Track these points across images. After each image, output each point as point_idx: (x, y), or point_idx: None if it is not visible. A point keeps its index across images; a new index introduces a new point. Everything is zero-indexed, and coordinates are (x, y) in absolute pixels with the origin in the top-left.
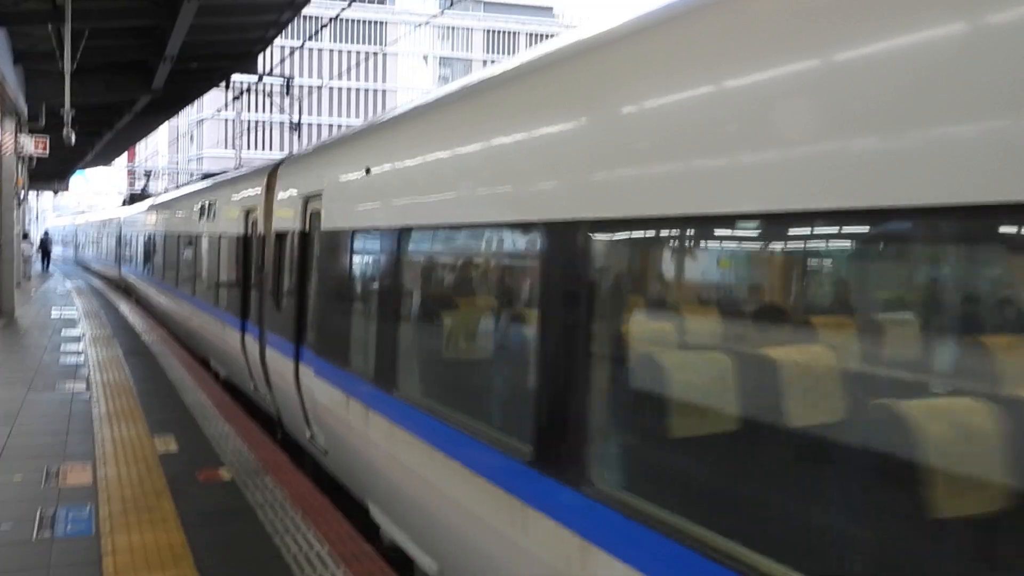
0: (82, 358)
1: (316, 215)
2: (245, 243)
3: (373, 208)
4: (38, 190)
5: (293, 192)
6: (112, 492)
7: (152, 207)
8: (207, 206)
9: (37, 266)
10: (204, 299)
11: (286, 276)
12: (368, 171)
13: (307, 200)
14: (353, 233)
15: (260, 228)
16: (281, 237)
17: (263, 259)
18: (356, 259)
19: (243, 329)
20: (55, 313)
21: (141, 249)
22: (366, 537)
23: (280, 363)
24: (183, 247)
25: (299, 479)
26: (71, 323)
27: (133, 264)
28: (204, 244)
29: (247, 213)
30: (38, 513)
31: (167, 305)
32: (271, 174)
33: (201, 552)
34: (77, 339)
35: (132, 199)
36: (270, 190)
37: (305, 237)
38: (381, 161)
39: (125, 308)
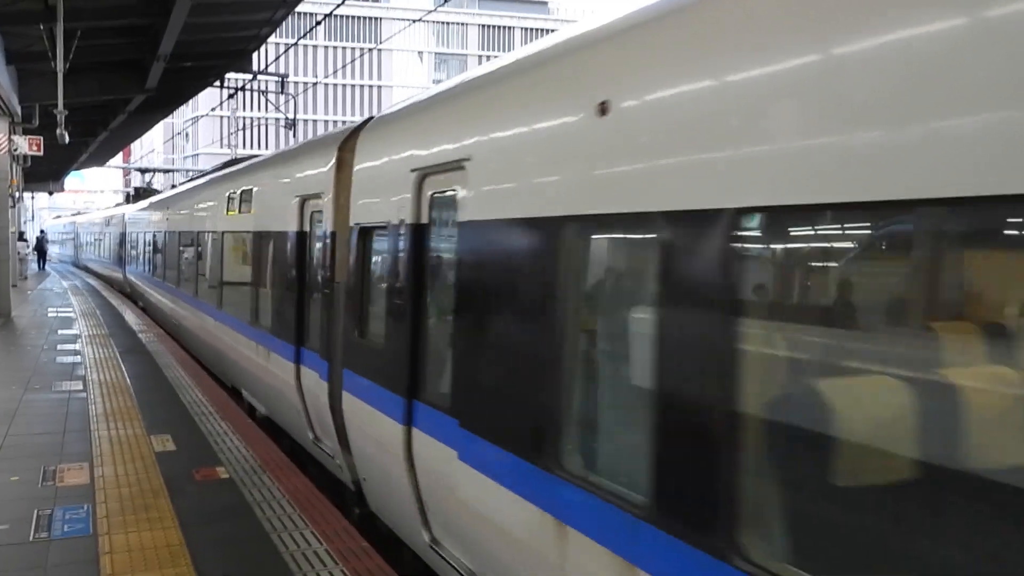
0: (79, 357)
1: (447, 199)
2: (300, 242)
3: (627, 175)
4: (33, 191)
5: (395, 166)
6: (109, 492)
7: (164, 201)
8: (240, 196)
9: (33, 266)
10: (235, 314)
11: (382, 291)
12: (605, 109)
13: (424, 176)
14: (561, 224)
15: (327, 221)
16: (367, 234)
17: (332, 264)
18: (577, 270)
19: (298, 359)
20: (52, 313)
21: (150, 250)
22: (363, 533)
23: (372, 421)
24: (205, 247)
25: (297, 477)
26: (68, 323)
27: (139, 267)
28: (235, 244)
29: (303, 202)
30: (35, 513)
31: (183, 317)
32: (344, 146)
33: (199, 551)
34: (74, 338)
35: (137, 194)
36: (343, 168)
37: (422, 232)
38: (655, 82)
39: (122, 307)
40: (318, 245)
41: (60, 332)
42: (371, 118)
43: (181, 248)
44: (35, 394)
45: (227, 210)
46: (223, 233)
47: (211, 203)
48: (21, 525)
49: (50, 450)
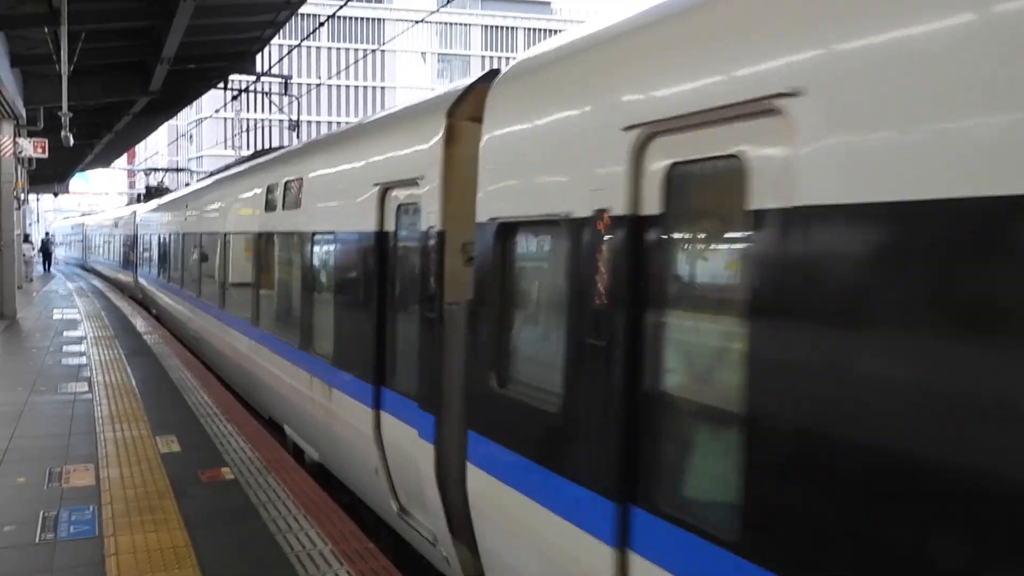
0: (84, 359)
1: (716, 171)
2: (380, 246)
3: None
4: (38, 193)
5: (581, 125)
6: (115, 493)
7: (182, 198)
8: (283, 189)
9: (39, 268)
10: (279, 335)
11: (551, 321)
12: None
13: (651, 137)
14: None
15: (429, 216)
16: (515, 233)
17: (439, 276)
18: None
19: (378, 403)
20: (57, 315)
21: (166, 253)
22: (369, 534)
23: (531, 521)
24: (234, 251)
25: (302, 478)
26: (73, 325)
27: (153, 272)
28: (276, 247)
29: (384, 192)
30: (41, 515)
31: (206, 331)
32: (457, 111)
33: (204, 552)
34: (79, 340)
35: (149, 194)
36: (457, 142)
37: (644, 228)
38: None
39: (127, 309)
40: (411, 249)
41: (65, 334)
42: (495, 71)
43: (204, 252)
44: (40, 396)
45: (265, 206)
46: (260, 235)
47: (243, 198)
48: (27, 526)
49: (56, 452)
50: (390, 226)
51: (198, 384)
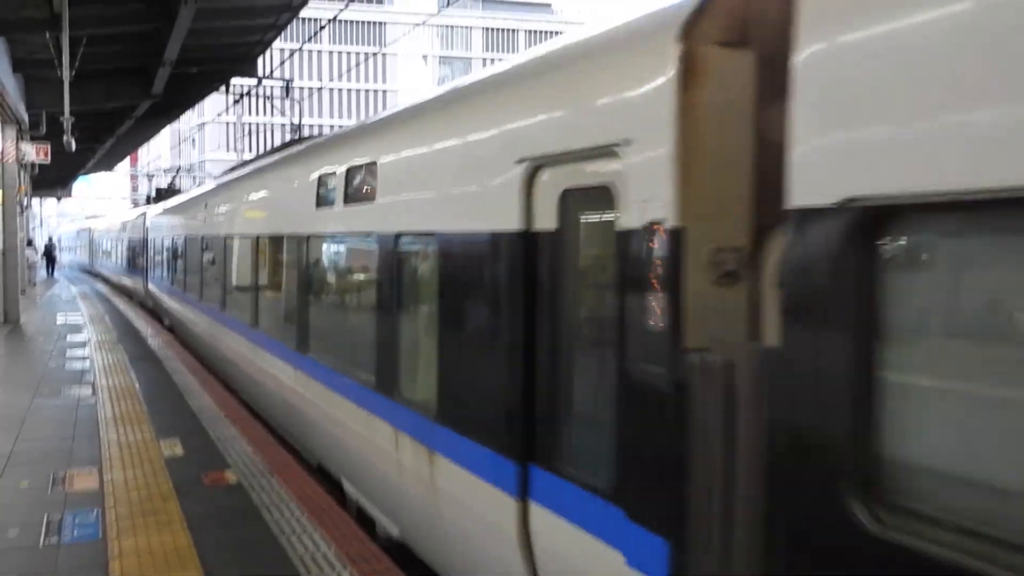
0: (87, 363)
1: None
2: (527, 255)
3: None
4: (41, 197)
5: None
6: (119, 496)
7: (202, 197)
8: (345, 178)
9: (42, 272)
10: (342, 369)
11: None
12: None
13: None
14: None
15: (641, 208)
16: (911, 226)
17: (673, 311)
18: None
19: (525, 489)
20: (60, 319)
21: (184, 260)
22: (372, 537)
23: None
24: (272, 258)
25: (305, 480)
26: (76, 329)
27: (167, 281)
28: (338, 255)
29: (534, 173)
30: (45, 518)
31: (233, 351)
32: (693, 30)
33: (208, 554)
34: (82, 344)
35: (159, 195)
36: (693, 81)
37: None
38: None
39: (131, 313)
40: (595, 259)
41: (69, 338)
42: None
43: (229, 258)
44: (44, 400)
45: (317, 202)
46: (309, 237)
47: (282, 194)
48: (31, 530)
49: (59, 455)
50: (546, 223)
51: (201, 388)
